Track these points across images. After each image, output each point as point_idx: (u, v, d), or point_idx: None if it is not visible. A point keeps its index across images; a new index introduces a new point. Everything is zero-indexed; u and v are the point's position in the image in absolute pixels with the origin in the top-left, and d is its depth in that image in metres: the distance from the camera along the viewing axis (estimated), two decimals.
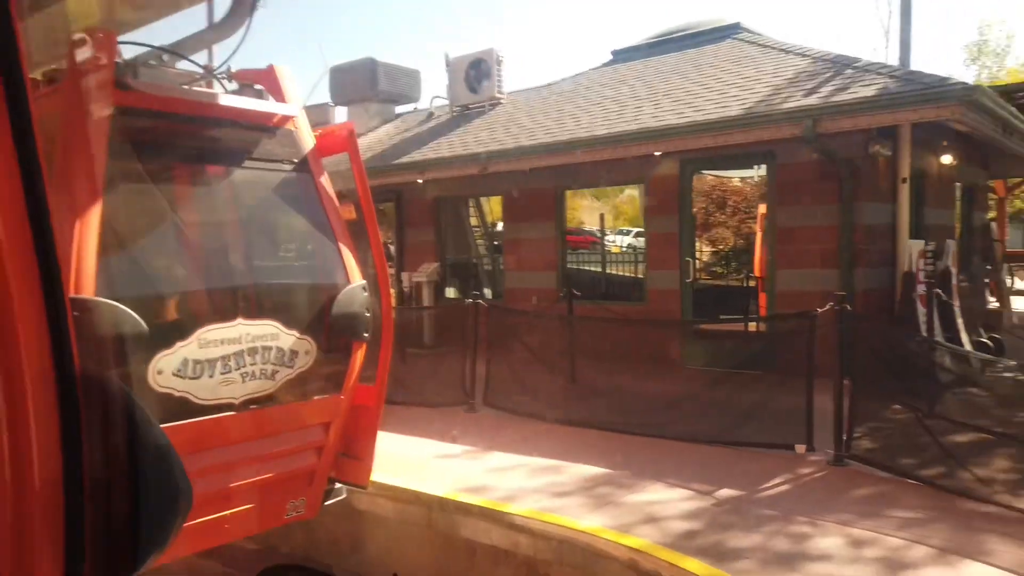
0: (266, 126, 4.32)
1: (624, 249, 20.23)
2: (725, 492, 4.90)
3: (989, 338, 9.17)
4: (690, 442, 6.13)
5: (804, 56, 9.84)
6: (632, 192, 21.19)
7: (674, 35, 13.16)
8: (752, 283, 12.61)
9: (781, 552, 3.90)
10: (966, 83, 7.25)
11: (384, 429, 6.66)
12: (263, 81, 4.59)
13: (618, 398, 7.51)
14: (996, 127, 8.46)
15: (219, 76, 4.57)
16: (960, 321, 8.25)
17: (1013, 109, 8.49)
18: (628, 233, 25.28)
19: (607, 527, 4.37)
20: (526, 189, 11.12)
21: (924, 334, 7.42)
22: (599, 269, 11.65)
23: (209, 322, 3.75)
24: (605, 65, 13.61)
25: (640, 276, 10.92)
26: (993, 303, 12.22)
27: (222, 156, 4.26)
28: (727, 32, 12.31)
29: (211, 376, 3.72)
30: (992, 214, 15.09)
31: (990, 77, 30.29)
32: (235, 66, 4.54)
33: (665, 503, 4.73)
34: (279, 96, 4.49)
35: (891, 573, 3.60)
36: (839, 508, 4.51)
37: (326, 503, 4.58)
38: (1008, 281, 13.42)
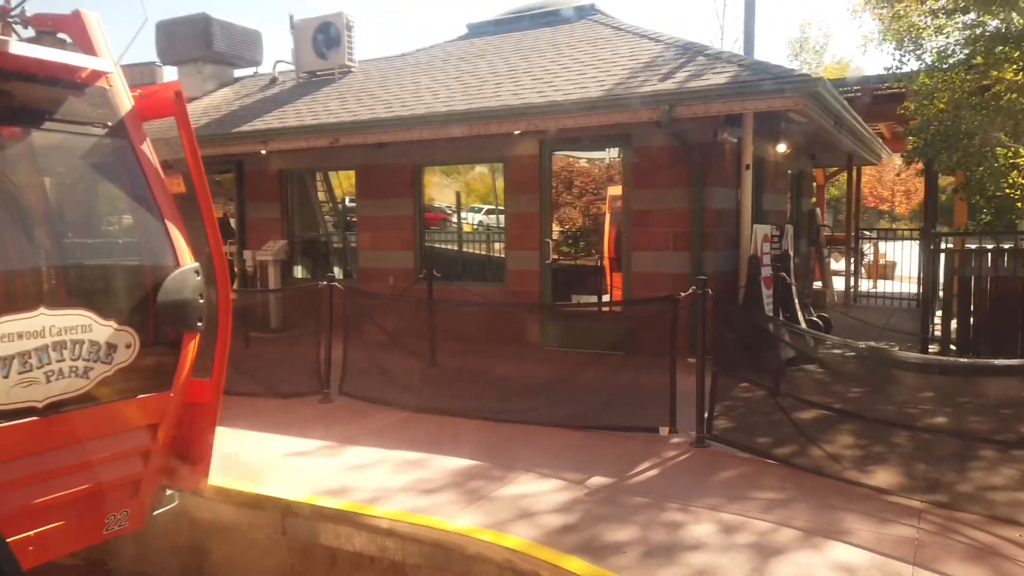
0: (73, 82, 3.69)
1: (475, 227, 20.08)
2: (596, 480, 4.83)
3: (819, 317, 9.86)
4: (557, 427, 6.04)
5: (657, 41, 10.01)
6: (483, 169, 21.07)
7: (530, 12, 13.03)
8: (601, 263, 12.89)
9: (658, 543, 3.85)
10: (809, 75, 7.63)
11: (229, 425, 6.11)
12: (67, 29, 3.92)
13: (481, 383, 7.32)
14: (830, 119, 9.03)
15: (12, 20, 3.86)
16: (796, 302, 8.79)
17: (845, 102, 9.09)
18: (479, 211, 25.19)
19: (480, 526, 4.14)
20: (382, 164, 10.62)
21: (769, 315, 7.80)
22: (456, 248, 11.38)
23: (1, 313, 3.15)
24: (461, 38, 13.25)
25: (496, 255, 10.78)
26: (817, 284, 13.23)
27: (16, 116, 3.57)
28: (583, 12, 12.34)
29: (5, 376, 3.18)
30: (813, 200, 16.37)
31: (810, 73, 32.96)
32: (32, 9, 3.85)
33: (538, 496, 4.58)
34: (88, 48, 3.84)
35: (764, 559, 3.64)
36: (707, 492, 4.57)
37: (155, 513, 4.08)
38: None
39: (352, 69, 12.54)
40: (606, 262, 12.19)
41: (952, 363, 5.33)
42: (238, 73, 14.76)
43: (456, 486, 4.81)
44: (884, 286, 15.67)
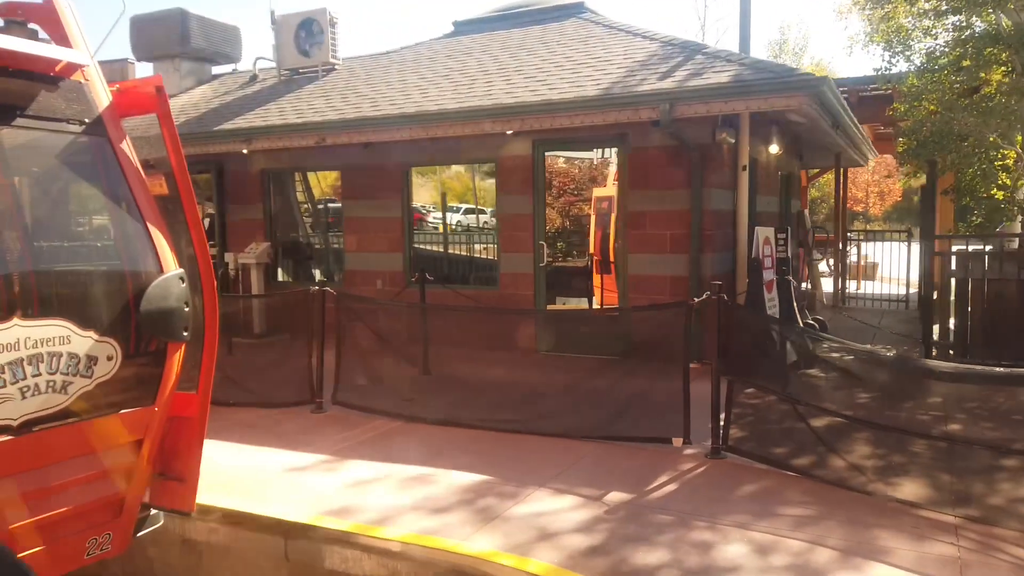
0: (46, 76, 3.40)
1: (453, 227, 19.75)
2: (614, 496, 4.61)
3: (814, 320, 9.76)
4: (561, 438, 5.81)
5: (652, 39, 9.85)
6: (459, 168, 20.77)
7: (517, 9, 12.82)
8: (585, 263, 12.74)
9: (692, 567, 3.64)
10: (814, 75, 7.50)
11: (218, 438, 5.80)
12: (39, 19, 3.63)
13: (478, 391, 7.06)
14: (828, 119, 8.93)
15: None
16: (795, 305, 8.67)
17: (844, 103, 8.99)
18: (457, 210, 24.84)
19: (499, 548, 3.91)
20: (368, 164, 10.32)
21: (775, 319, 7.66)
22: (446, 250, 11.12)
23: None
24: (447, 36, 12.99)
25: (487, 257, 10.54)
26: (806, 286, 13.17)
27: None
28: (571, 10, 12.15)
29: None
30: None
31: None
32: None
33: (556, 514, 4.35)
34: (62, 39, 3.56)
35: None
36: (732, 508, 4.37)
37: (138, 534, 3.82)
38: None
39: (336, 67, 12.23)
40: (593, 263, 12.03)
41: (989, 373, 5.20)
42: (216, 70, 14.36)
43: (467, 504, 4.57)
44: (867, 287, 15.69)
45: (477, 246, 11.49)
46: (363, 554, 4.11)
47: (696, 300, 5.54)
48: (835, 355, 5.95)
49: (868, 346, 7.66)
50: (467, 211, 20.97)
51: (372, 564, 4.09)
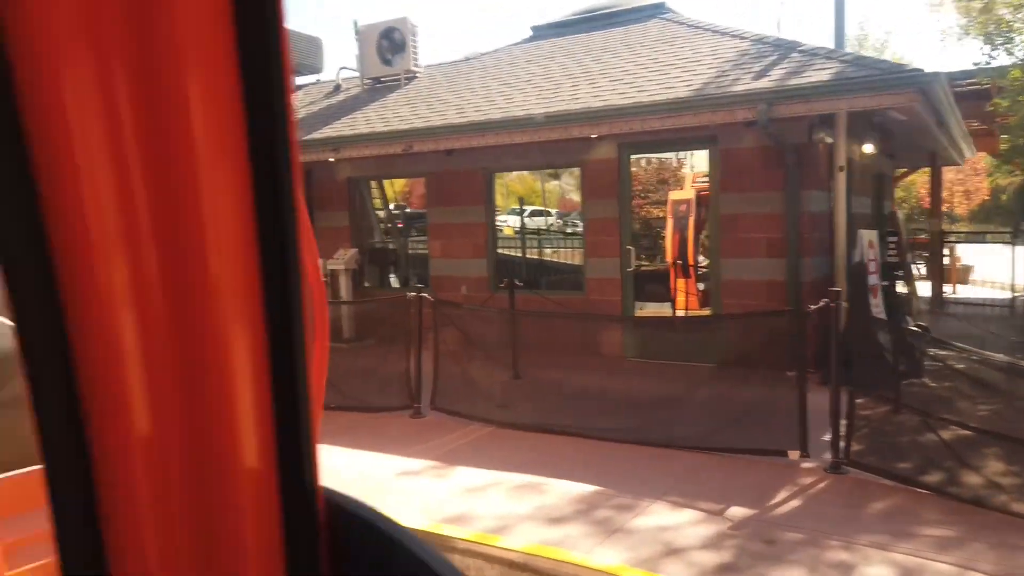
0: None
1: (516, 231, 19.67)
2: (736, 511, 4.46)
3: (917, 325, 9.32)
4: (666, 448, 5.68)
5: (742, 38, 9.61)
6: (522, 172, 20.65)
7: (597, 12, 12.71)
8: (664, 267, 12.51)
9: None
10: (924, 70, 7.16)
11: (324, 441, 5.87)
12: None
13: (571, 397, 6.98)
14: (933, 116, 8.53)
15: None
16: (901, 311, 8.31)
17: (952, 100, 8.58)
18: (523, 213, 24.72)
19: (626, 563, 3.82)
20: (452, 171, 10.37)
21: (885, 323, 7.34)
22: (532, 255, 11.10)
23: None
24: (526, 41, 12.97)
25: (572, 262, 10.46)
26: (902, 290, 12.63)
27: None
28: (652, 11, 11.98)
29: None
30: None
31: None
32: None
33: (678, 528, 4.23)
34: None
35: None
36: (865, 527, 4.17)
37: None
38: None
39: (417, 74, 12.35)
40: (671, 268, 11.83)
41: None
42: (300, 80, 14.68)
43: (583, 514, 4.49)
44: (961, 291, 14.96)
45: (560, 250, 11.41)
46: (485, 563, 4.08)
47: (813, 307, 5.33)
48: (962, 364, 5.66)
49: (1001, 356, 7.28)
50: (533, 213, 20.85)
51: (494, 574, 4.04)
